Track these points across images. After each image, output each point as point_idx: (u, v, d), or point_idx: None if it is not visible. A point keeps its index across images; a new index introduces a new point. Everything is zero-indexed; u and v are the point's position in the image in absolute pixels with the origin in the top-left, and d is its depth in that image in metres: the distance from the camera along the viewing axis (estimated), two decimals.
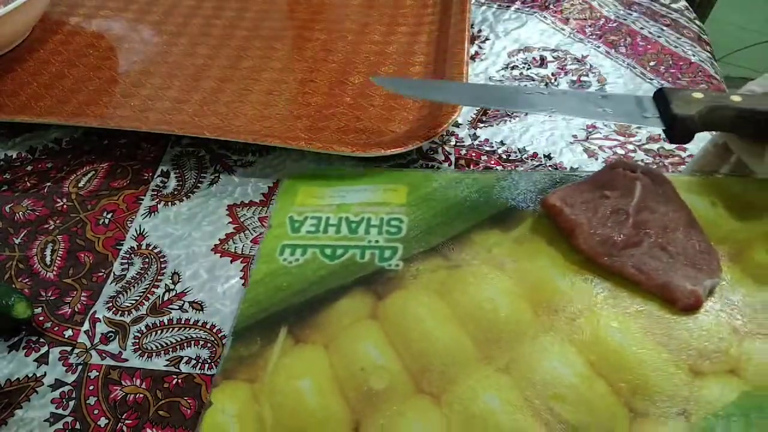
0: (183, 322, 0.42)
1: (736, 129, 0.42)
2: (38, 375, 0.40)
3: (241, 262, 0.45)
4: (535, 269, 0.41)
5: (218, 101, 0.56)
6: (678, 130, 0.41)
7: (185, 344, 0.41)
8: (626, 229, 0.40)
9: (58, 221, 0.48)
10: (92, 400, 0.38)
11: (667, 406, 0.34)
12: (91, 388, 0.39)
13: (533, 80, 0.58)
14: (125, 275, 0.44)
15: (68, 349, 0.41)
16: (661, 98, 0.43)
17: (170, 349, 0.40)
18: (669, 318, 0.38)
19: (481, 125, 0.54)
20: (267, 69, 0.60)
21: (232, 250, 0.46)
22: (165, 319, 0.42)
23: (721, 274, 0.39)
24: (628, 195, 0.41)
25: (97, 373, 0.40)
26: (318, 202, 0.46)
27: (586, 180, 0.43)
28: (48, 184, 0.51)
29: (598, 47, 0.63)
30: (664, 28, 0.64)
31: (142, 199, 0.49)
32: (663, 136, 0.43)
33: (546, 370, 0.36)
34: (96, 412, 0.38)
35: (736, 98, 0.40)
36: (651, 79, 0.58)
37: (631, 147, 0.50)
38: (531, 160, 0.51)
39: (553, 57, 0.61)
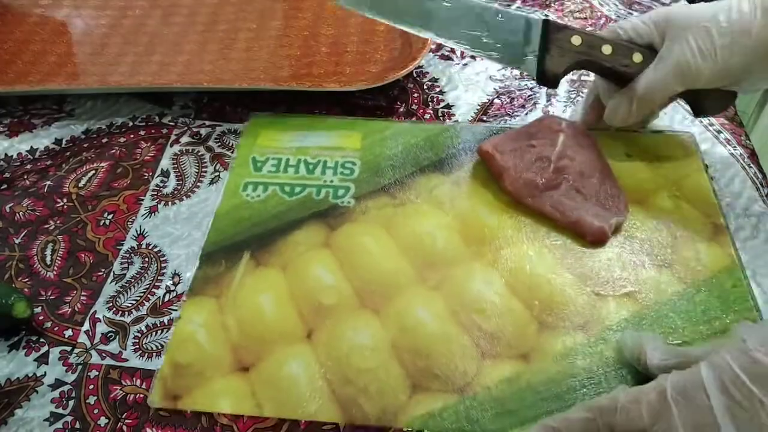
0: None
1: (599, 73, 0.49)
2: (38, 375, 0.40)
3: None
4: (469, 207, 0.47)
5: (203, 60, 0.61)
6: (545, 82, 0.48)
7: None
8: (548, 173, 0.46)
9: (58, 221, 0.49)
10: (92, 400, 0.39)
11: (570, 321, 0.40)
12: (91, 387, 0.39)
13: (533, 79, 0.60)
14: (125, 275, 0.45)
15: (68, 348, 0.41)
16: (544, 33, 0.47)
17: None
18: (579, 250, 0.44)
19: (482, 125, 0.55)
20: (242, 29, 0.65)
21: None
22: (165, 319, 0.43)
23: (627, 215, 0.45)
24: (552, 145, 0.47)
25: (97, 373, 0.40)
26: (278, 144, 0.52)
27: (517, 130, 0.49)
28: (48, 183, 0.52)
29: None
30: None
31: (142, 200, 0.50)
32: None
33: (471, 289, 0.43)
34: (96, 411, 0.38)
35: (606, 50, 0.46)
36: None
37: None
38: None
39: None
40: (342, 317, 0.42)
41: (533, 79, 0.49)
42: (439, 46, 0.64)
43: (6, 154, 0.54)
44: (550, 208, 0.46)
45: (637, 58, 0.46)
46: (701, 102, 0.47)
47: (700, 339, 0.40)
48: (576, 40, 0.47)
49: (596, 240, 0.45)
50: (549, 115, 0.51)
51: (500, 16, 0.48)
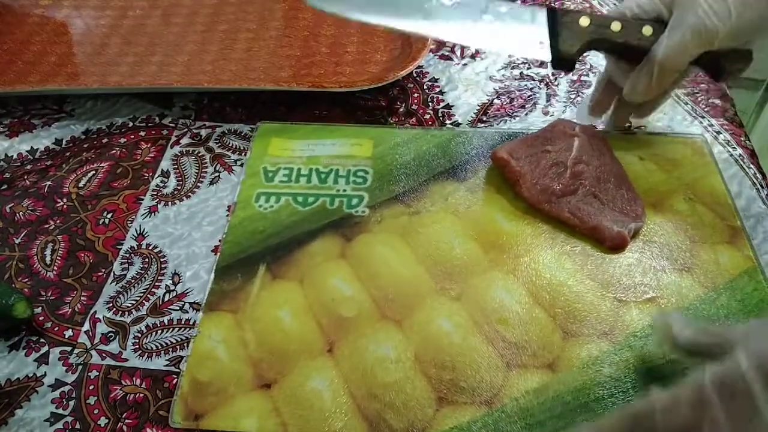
0: (183, 322, 0.43)
1: (611, 52, 0.49)
2: (38, 375, 0.40)
3: None
4: (485, 214, 0.47)
5: (203, 61, 0.61)
6: (561, 64, 0.47)
7: (185, 344, 0.41)
8: (564, 179, 0.46)
9: (58, 221, 0.49)
10: (92, 400, 0.39)
11: (594, 328, 0.40)
12: (91, 387, 0.39)
13: (533, 80, 0.60)
14: (125, 275, 0.45)
15: (68, 349, 0.41)
16: (551, 22, 0.47)
17: (170, 349, 0.41)
18: (599, 256, 0.44)
19: (481, 125, 0.55)
20: (242, 30, 0.65)
21: None
22: (165, 319, 0.43)
23: (645, 219, 0.45)
24: (567, 150, 0.47)
25: (97, 373, 0.40)
26: (289, 154, 0.52)
27: (531, 136, 0.49)
28: (48, 183, 0.52)
29: None
30: None
31: (142, 199, 0.50)
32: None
33: (492, 299, 0.42)
34: (96, 411, 0.38)
35: (615, 27, 0.46)
36: None
37: None
38: None
39: None
40: (363, 329, 0.41)
41: (550, 65, 0.48)
42: (439, 46, 0.64)
43: (6, 154, 0.55)
44: (568, 214, 0.45)
45: (647, 31, 0.46)
46: (720, 65, 0.47)
47: None
48: (584, 21, 0.47)
49: (616, 246, 0.44)
50: (562, 120, 0.51)
51: (505, 9, 0.48)
